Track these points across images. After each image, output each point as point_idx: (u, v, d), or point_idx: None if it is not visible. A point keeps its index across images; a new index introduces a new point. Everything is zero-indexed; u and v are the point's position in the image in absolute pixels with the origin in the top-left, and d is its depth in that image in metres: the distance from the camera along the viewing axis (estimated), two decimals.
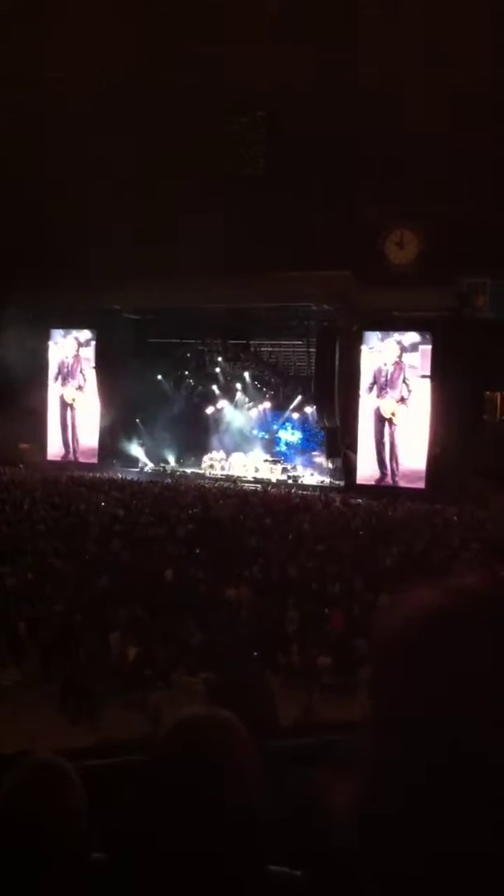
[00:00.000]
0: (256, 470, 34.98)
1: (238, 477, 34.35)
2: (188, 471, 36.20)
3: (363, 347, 31.51)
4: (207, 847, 1.14)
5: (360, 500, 28.04)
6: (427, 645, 0.71)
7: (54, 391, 37.63)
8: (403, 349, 31.00)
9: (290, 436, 37.03)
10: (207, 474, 35.33)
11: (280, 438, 37.10)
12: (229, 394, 37.60)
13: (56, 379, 37.58)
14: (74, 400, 37.34)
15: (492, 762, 0.65)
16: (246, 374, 37.27)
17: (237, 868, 1.15)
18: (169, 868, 1.15)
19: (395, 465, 31.26)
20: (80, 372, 37.13)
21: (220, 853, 1.14)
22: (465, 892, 0.64)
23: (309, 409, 35.58)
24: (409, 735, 0.69)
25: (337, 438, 32.71)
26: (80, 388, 37.18)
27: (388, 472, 31.40)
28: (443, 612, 0.73)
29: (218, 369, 37.79)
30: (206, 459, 36.46)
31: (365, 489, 30.62)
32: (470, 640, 0.69)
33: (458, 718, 0.67)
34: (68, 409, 37.50)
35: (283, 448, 36.94)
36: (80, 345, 37.11)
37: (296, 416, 36.66)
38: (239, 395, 37.38)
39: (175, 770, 1.20)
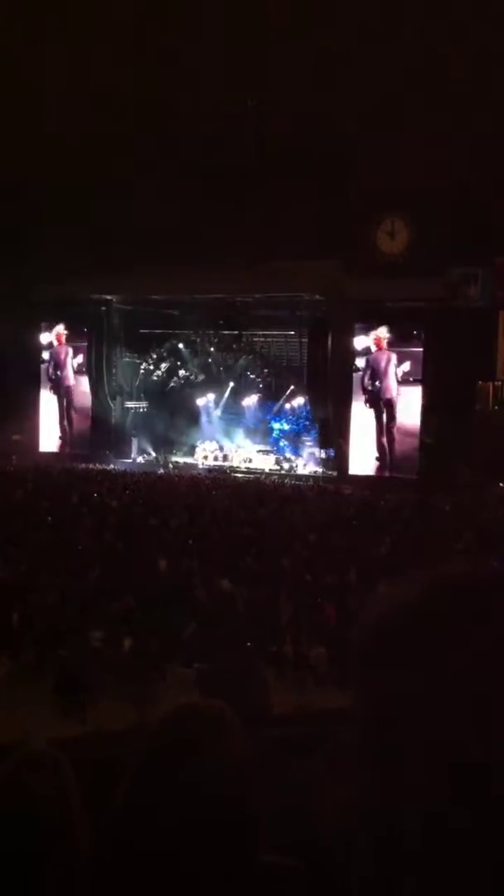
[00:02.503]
0: (249, 460, 34.99)
1: (231, 467, 34.35)
2: (181, 461, 36.19)
3: (355, 338, 31.49)
4: (200, 838, 1.14)
5: (352, 490, 28.08)
6: (405, 642, 0.70)
7: (46, 382, 37.53)
8: (395, 340, 31.00)
9: (282, 426, 37.03)
10: (200, 465, 35.33)
11: (273, 429, 37.09)
12: (222, 385, 37.57)
13: (48, 370, 37.47)
14: (66, 391, 37.25)
15: (475, 761, 0.64)
16: (238, 365, 37.22)
17: (230, 858, 1.15)
18: (162, 859, 1.15)
19: (387, 455, 31.30)
20: (72, 363, 37.04)
21: (213, 844, 1.14)
22: (463, 891, 0.64)
23: (301, 400, 35.59)
24: (391, 734, 0.68)
25: (329, 429, 32.73)
26: (71, 379, 37.08)
27: (381, 461, 31.44)
28: (421, 608, 0.71)
29: (210, 360, 37.73)
30: (198, 450, 36.47)
31: (358, 479, 30.66)
32: (450, 636, 0.68)
33: (439, 716, 0.66)
34: (60, 401, 37.41)
35: (276, 438, 36.94)
36: (71, 336, 37.00)
37: (288, 406, 36.66)
38: (231, 386, 37.35)
39: (168, 761, 1.19)
